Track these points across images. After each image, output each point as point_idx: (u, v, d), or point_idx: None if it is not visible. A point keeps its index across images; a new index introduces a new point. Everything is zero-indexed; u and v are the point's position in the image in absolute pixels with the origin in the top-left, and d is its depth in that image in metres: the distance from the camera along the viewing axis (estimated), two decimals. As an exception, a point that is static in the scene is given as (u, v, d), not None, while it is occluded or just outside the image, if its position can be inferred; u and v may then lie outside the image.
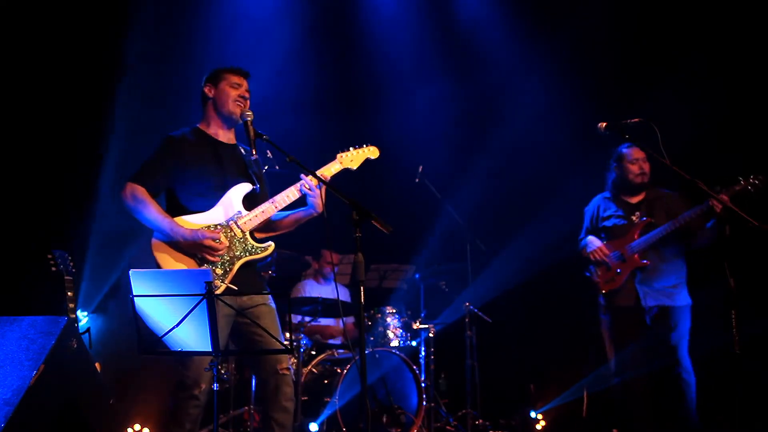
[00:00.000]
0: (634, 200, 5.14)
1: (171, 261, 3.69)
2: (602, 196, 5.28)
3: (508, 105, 7.21)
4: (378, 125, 7.23)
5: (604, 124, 4.20)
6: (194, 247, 3.67)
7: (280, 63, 6.91)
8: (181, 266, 3.67)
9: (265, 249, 3.80)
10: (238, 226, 3.78)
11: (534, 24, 7.23)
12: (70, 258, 4.61)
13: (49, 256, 4.52)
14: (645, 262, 4.95)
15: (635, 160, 5.06)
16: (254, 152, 3.69)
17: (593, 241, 5.15)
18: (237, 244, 3.76)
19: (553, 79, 6.99)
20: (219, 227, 3.76)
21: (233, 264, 3.74)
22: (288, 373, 3.80)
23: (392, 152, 6.83)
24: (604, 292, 5.09)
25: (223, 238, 3.72)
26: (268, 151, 3.94)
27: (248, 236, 3.79)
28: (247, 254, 3.78)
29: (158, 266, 3.68)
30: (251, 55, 6.54)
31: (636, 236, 5.00)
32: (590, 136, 4.38)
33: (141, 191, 3.73)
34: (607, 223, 5.16)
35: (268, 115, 4.79)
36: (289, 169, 3.83)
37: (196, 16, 6.75)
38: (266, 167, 4.07)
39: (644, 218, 5.02)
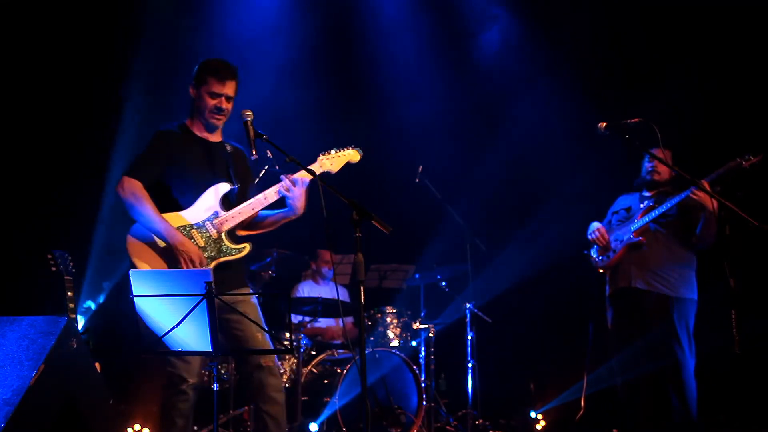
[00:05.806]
0: (648, 194, 5.18)
1: (146, 261, 3.64)
2: (625, 194, 5.36)
3: (508, 105, 7.22)
4: (378, 125, 7.23)
5: (604, 124, 4.20)
6: (177, 254, 3.62)
7: (282, 63, 6.91)
8: (156, 267, 3.64)
9: (240, 251, 3.77)
10: (213, 227, 3.75)
11: (534, 27, 7.24)
12: (70, 258, 4.61)
13: (49, 256, 4.52)
14: (640, 239, 4.98)
15: (650, 157, 5.11)
16: (254, 152, 3.65)
17: (593, 224, 5.26)
18: (212, 245, 3.74)
19: (554, 79, 6.99)
20: (194, 227, 3.73)
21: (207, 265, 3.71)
22: (271, 364, 3.74)
23: (393, 153, 6.89)
24: (601, 271, 5.16)
25: (198, 239, 3.70)
26: (268, 151, 3.92)
27: (224, 237, 3.76)
28: (222, 255, 3.74)
29: (132, 264, 3.63)
30: (252, 55, 6.55)
31: (638, 219, 5.05)
32: (590, 136, 4.38)
33: (139, 187, 3.69)
34: (616, 207, 5.28)
35: (268, 116, 4.78)
36: (288, 169, 3.82)
37: (203, 17, 6.76)
38: (266, 167, 4.06)
39: (649, 203, 5.06)
